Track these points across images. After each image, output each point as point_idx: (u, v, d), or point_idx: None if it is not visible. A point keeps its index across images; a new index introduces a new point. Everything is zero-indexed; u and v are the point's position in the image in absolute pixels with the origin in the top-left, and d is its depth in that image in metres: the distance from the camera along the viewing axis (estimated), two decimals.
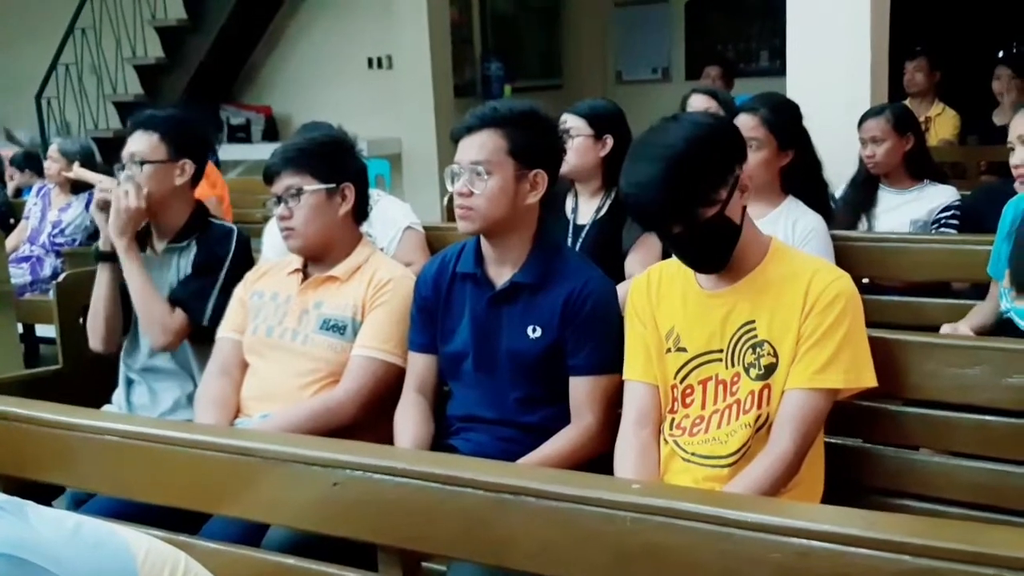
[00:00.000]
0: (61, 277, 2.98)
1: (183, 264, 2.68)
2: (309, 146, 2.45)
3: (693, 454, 1.94)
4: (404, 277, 2.42)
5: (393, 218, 3.30)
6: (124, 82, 8.24)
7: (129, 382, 2.73)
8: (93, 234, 5.15)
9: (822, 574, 1.27)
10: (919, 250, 3.02)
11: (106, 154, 6.19)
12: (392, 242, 3.25)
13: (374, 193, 2.70)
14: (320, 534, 1.72)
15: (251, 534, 1.99)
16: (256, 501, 1.74)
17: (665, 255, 2.91)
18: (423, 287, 2.30)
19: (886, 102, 3.96)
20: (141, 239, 2.73)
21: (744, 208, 1.93)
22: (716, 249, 1.91)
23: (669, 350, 1.99)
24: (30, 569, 1.10)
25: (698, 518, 1.35)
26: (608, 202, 3.08)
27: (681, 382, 1.97)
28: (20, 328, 4.78)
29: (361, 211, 2.48)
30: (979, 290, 2.81)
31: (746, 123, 2.81)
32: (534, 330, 2.16)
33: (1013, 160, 2.66)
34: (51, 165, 5.22)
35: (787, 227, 2.81)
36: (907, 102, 4.95)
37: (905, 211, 3.53)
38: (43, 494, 2.17)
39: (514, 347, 2.17)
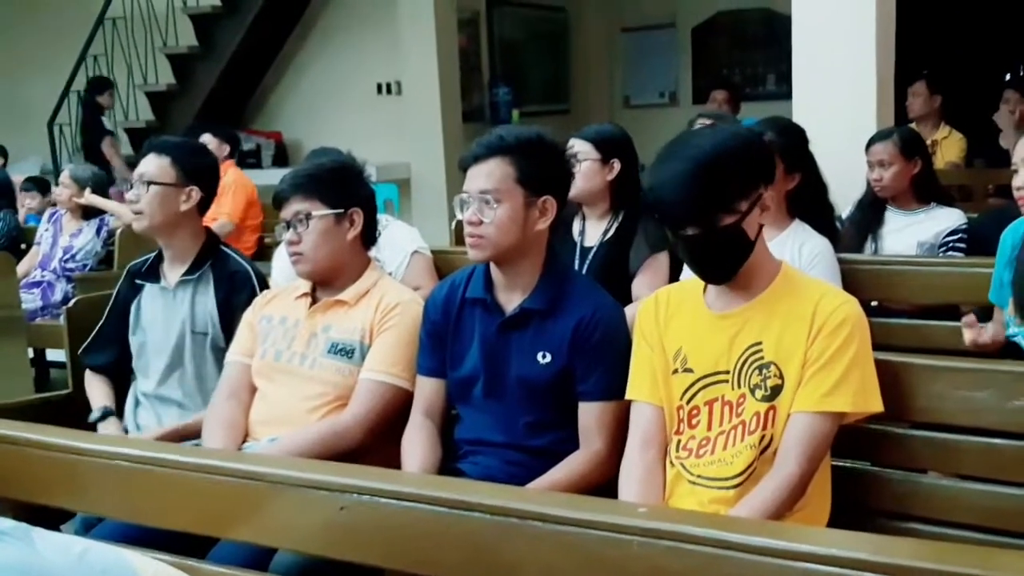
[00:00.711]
0: (72, 302, 3.00)
1: (200, 298, 2.68)
2: (317, 172, 2.46)
3: (699, 476, 1.94)
4: (412, 301, 2.42)
5: (401, 243, 3.32)
6: (136, 109, 8.31)
7: (137, 402, 2.73)
8: (104, 259, 5.20)
9: None
10: (927, 273, 3.02)
11: None
12: (400, 266, 3.27)
13: (383, 218, 2.71)
14: (327, 558, 1.72)
15: (258, 558, 1.99)
16: (263, 525, 1.73)
17: (672, 278, 2.94)
18: (433, 311, 2.31)
19: (893, 126, 3.97)
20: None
21: (760, 228, 1.94)
22: (726, 259, 1.92)
23: (676, 371, 1.99)
24: None
25: (704, 542, 1.35)
26: (615, 225, 3.10)
27: (688, 403, 1.98)
28: (31, 353, 4.81)
29: (370, 236, 2.49)
30: (987, 313, 2.81)
31: None
32: (544, 356, 2.17)
33: (1015, 182, 2.67)
34: (62, 191, 5.26)
35: (794, 250, 2.81)
36: (913, 126, 4.96)
37: (912, 232, 3.53)
38: (53, 518, 2.18)
39: (524, 373, 2.18)
